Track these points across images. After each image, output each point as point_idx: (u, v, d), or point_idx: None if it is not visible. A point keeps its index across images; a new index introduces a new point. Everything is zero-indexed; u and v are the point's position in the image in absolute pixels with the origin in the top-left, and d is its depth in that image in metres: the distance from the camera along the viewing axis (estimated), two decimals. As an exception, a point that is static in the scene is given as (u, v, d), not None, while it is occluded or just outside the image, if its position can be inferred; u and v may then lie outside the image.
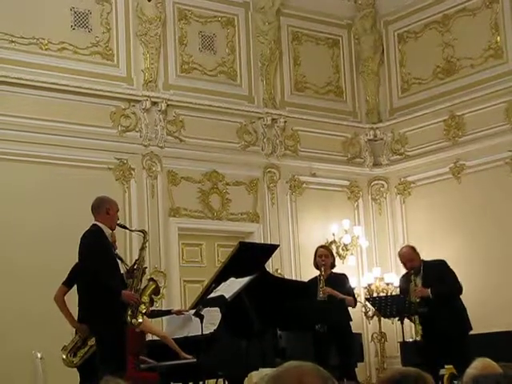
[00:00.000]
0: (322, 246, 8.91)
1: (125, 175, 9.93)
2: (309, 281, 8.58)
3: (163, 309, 8.93)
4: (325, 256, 8.54)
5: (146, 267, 7.13)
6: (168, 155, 10.24)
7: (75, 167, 9.49)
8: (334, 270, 8.70)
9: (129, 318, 6.62)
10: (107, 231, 6.76)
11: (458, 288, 7.99)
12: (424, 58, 11.60)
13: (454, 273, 8.04)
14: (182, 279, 10.17)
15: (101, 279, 6.45)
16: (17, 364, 8.29)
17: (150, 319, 7.68)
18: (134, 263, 6.98)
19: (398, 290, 8.54)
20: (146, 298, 6.88)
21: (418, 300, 7.94)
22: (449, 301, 7.91)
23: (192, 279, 10.18)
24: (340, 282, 8.52)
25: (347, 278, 8.73)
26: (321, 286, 8.27)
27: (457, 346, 7.65)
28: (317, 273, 8.53)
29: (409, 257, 8.12)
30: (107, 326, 6.43)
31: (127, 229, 7.65)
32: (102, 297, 6.43)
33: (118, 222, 7.02)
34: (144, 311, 6.78)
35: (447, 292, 7.93)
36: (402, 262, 8.20)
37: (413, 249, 8.19)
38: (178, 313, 7.80)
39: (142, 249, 7.12)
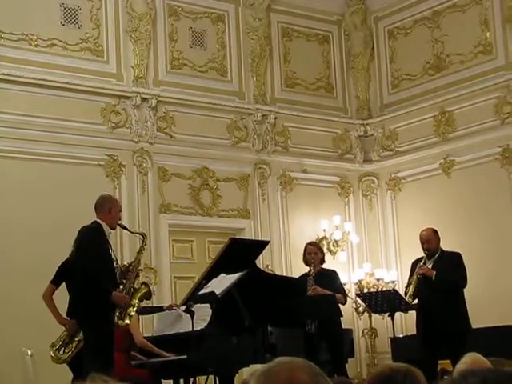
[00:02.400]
0: (310, 243, 8.89)
1: (115, 171, 9.91)
2: (299, 277, 8.59)
3: (154, 305, 8.91)
4: (314, 253, 8.55)
5: (140, 270, 7.11)
6: (158, 151, 10.23)
7: (65, 164, 9.47)
8: (325, 266, 8.72)
9: (116, 318, 6.60)
10: (107, 230, 6.75)
11: (462, 281, 7.98)
12: (414, 54, 11.61)
13: (465, 267, 8.06)
14: (172, 276, 10.16)
15: (94, 277, 6.43)
16: (7, 361, 8.26)
17: (140, 318, 7.67)
18: (130, 265, 6.96)
19: (409, 276, 8.57)
20: (135, 302, 6.86)
21: (418, 275, 7.97)
22: (450, 291, 7.91)
23: (182, 276, 10.17)
24: (330, 278, 8.53)
25: (337, 275, 8.74)
26: (310, 284, 8.28)
27: (457, 343, 7.63)
28: (307, 269, 8.55)
29: (426, 237, 8.17)
30: (95, 323, 6.42)
31: (128, 230, 7.56)
32: (93, 294, 6.43)
33: (120, 223, 7.01)
34: (132, 314, 6.76)
35: (451, 280, 7.91)
36: (420, 242, 8.23)
37: (434, 231, 8.22)
38: (170, 308, 7.79)
39: (140, 252, 7.11)
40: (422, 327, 8.05)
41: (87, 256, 6.53)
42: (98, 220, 6.75)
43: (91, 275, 6.43)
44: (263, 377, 1.84)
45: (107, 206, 6.80)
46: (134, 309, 6.80)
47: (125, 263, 7.21)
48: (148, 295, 7.25)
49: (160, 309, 8.05)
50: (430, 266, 8.07)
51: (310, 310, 7.89)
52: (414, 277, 8.06)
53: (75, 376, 6.77)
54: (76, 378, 6.70)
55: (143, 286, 7.12)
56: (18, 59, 9.39)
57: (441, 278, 7.89)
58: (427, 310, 7.96)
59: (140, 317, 8.60)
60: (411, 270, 8.39)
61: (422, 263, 8.10)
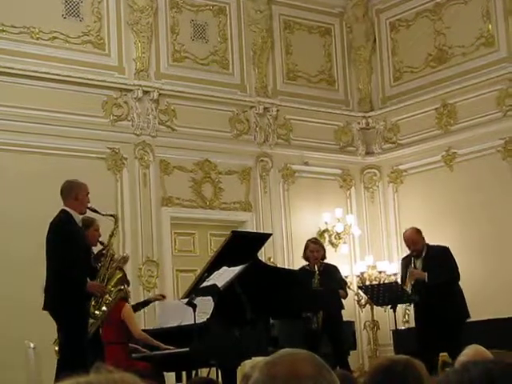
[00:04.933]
0: (312, 241, 8.83)
1: (117, 165, 9.91)
2: (299, 269, 8.61)
3: (141, 301, 8.75)
4: (316, 251, 8.58)
5: (113, 254, 6.95)
6: (160, 144, 10.23)
7: (67, 157, 9.46)
8: (326, 261, 8.75)
9: (92, 308, 6.53)
10: (77, 217, 6.56)
11: (455, 276, 8.01)
12: (416, 47, 11.59)
13: (455, 260, 8.07)
14: (174, 268, 10.17)
15: (64, 269, 6.29)
16: (9, 354, 8.27)
17: (135, 313, 7.65)
18: (102, 249, 6.83)
19: (400, 273, 8.58)
20: (111, 288, 6.78)
21: (412, 282, 7.95)
22: (444, 288, 7.93)
23: (184, 268, 10.18)
24: (331, 273, 8.58)
25: (338, 269, 8.80)
26: (315, 280, 8.31)
27: (452, 332, 7.68)
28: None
29: (411, 240, 8.14)
30: (68, 315, 6.31)
31: (98, 213, 7.12)
32: (65, 286, 6.30)
33: (89, 206, 6.71)
34: (108, 302, 6.69)
35: (444, 279, 7.93)
36: (406, 244, 8.23)
37: (417, 231, 8.19)
38: (158, 298, 7.77)
39: (112, 235, 6.92)
40: (419, 322, 8.09)
41: (56, 248, 6.37)
42: (66, 208, 6.53)
43: (60, 267, 6.28)
44: (266, 369, 1.84)
45: (73, 192, 6.56)
46: (112, 295, 6.74)
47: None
48: (124, 280, 7.13)
49: (148, 302, 8.05)
50: (419, 266, 8.05)
51: (312, 302, 7.90)
52: (408, 284, 8.00)
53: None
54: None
55: (117, 270, 6.96)
56: (20, 52, 9.38)
57: (433, 279, 7.88)
58: (424, 305, 7.98)
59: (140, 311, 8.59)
60: (402, 267, 8.42)
61: (412, 267, 8.05)
